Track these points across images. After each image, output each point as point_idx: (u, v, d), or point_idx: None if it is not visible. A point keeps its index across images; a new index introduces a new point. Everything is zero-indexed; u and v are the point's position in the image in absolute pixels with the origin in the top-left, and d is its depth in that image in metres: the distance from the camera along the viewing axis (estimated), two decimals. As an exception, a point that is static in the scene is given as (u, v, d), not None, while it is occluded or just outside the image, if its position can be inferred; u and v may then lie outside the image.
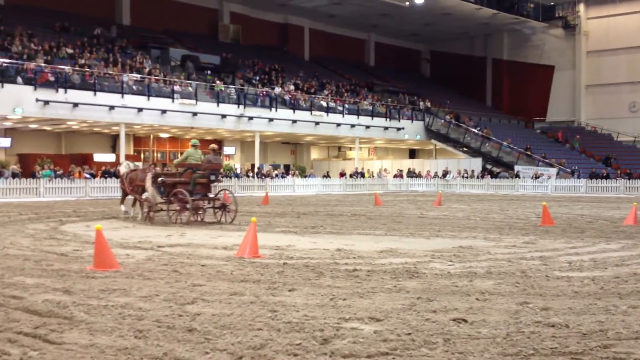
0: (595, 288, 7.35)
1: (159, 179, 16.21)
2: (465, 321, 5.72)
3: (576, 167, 40.79)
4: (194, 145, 16.84)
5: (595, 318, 5.87)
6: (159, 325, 5.51)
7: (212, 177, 16.43)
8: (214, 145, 17.42)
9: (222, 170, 16.14)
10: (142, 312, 6.00)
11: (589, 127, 52.46)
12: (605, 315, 5.97)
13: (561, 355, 4.76)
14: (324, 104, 41.98)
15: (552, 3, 54.24)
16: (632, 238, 12.67)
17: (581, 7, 53.05)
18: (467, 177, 41.63)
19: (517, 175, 40.09)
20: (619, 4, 50.88)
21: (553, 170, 39.74)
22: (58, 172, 29.70)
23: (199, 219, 16.32)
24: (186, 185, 15.94)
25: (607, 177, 37.97)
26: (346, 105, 43.45)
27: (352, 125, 42.46)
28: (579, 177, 38.54)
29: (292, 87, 42.65)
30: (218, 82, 38.25)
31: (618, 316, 5.95)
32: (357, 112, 43.37)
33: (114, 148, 39.44)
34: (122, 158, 33.08)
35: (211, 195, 16.71)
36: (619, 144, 48.43)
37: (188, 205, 15.49)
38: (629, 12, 50.44)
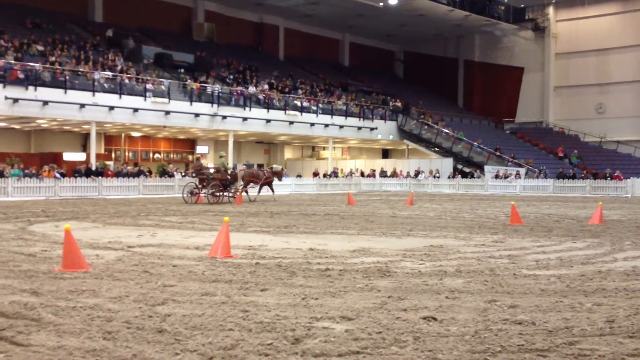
0: (561, 286, 7.49)
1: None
2: (435, 319, 5.79)
3: (544, 167, 41.33)
4: (220, 156, 26.81)
5: (561, 315, 5.98)
6: (128, 326, 5.47)
7: (193, 175, 25.87)
8: (197, 155, 28.72)
9: (204, 170, 25.33)
10: (111, 314, 5.95)
11: (557, 127, 53.24)
12: (570, 313, 6.09)
13: (527, 352, 4.84)
14: (298, 103, 41.96)
15: (523, 6, 54.88)
16: (598, 237, 12.91)
17: (551, 10, 53.78)
18: (438, 177, 41.96)
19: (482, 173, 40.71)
20: (587, 7, 51.67)
21: (522, 170, 40.25)
22: (27, 172, 29.22)
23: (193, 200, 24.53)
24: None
25: (573, 177, 38.57)
26: (320, 105, 43.49)
27: (326, 125, 42.53)
28: (546, 177, 39.05)
29: (266, 87, 42.55)
30: (190, 80, 38.00)
31: (583, 313, 6.06)
32: (331, 112, 43.45)
33: (84, 147, 38.95)
34: (92, 157, 32.75)
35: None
36: (585, 145, 49.26)
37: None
38: (598, 15, 51.24)
